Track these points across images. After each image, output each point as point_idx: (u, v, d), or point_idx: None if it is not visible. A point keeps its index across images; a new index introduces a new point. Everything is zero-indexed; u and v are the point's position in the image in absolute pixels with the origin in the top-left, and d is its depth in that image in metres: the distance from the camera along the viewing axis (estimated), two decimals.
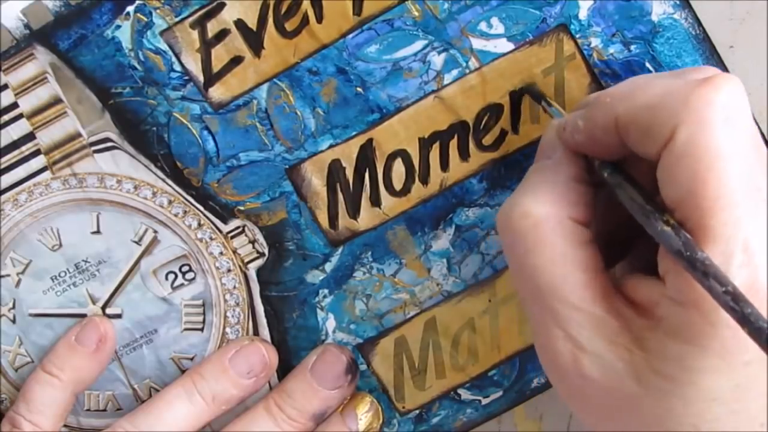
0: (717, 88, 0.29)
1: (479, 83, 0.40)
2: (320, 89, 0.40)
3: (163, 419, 0.41)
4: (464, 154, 0.41)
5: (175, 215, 0.42)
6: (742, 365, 0.29)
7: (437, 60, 0.40)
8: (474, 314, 0.42)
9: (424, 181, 0.41)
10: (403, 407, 0.43)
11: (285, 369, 0.43)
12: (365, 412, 0.42)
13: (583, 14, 0.39)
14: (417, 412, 0.43)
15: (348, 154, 0.41)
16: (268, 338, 0.43)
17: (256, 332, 0.43)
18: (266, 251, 0.42)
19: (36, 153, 0.41)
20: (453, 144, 0.41)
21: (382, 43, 0.40)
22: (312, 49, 0.40)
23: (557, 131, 0.35)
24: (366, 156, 0.41)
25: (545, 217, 0.32)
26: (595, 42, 0.39)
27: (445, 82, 0.40)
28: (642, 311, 0.31)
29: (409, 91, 0.40)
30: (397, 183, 0.41)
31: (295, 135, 0.41)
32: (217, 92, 0.40)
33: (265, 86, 0.40)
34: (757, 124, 0.39)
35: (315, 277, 0.42)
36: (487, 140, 0.40)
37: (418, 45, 0.40)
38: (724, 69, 0.40)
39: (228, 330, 0.42)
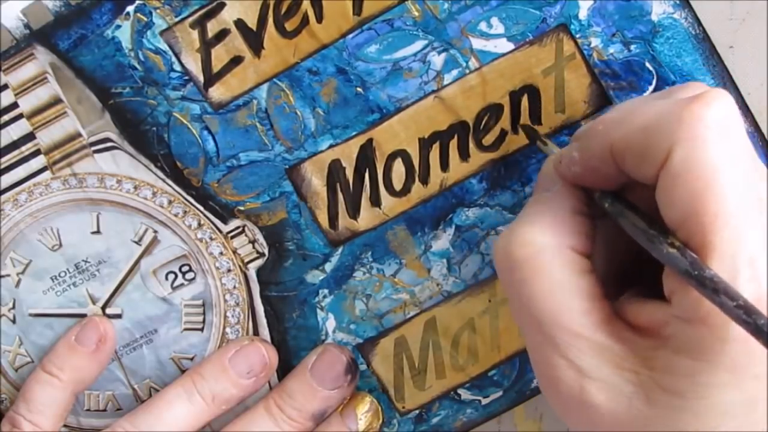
0: (708, 105, 0.29)
1: (479, 83, 0.40)
2: (320, 89, 0.40)
3: (163, 419, 0.41)
4: (464, 155, 0.41)
5: (175, 215, 0.42)
6: (752, 379, 0.29)
7: (437, 60, 0.40)
8: (474, 314, 0.42)
9: (424, 181, 0.41)
10: (403, 407, 0.43)
11: (285, 369, 0.43)
12: (365, 412, 0.42)
13: (583, 14, 0.39)
14: (417, 412, 0.43)
15: (348, 154, 0.41)
16: (268, 338, 0.43)
17: (256, 332, 0.43)
18: (266, 251, 0.42)
19: (36, 153, 0.41)
20: (453, 144, 0.41)
21: (382, 43, 0.40)
22: (312, 49, 0.40)
23: (554, 165, 0.35)
24: (366, 156, 0.41)
25: (545, 246, 0.32)
26: (595, 42, 0.39)
27: (445, 82, 0.40)
28: (646, 333, 0.31)
29: (409, 91, 0.40)
30: (397, 183, 0.41)
31: (295, 135, 0.41)
32: (217, 92, 0.40)
33: (265, 86, 0.40)
34: (757, 124, 0.40)
35: (315, 277, 0.42)
36: (487, 140, 0.41)
37: (418, 45, 0.40)
38: (724, 69, 0.40)
39: (228, 330, 0.42)
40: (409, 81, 0.40)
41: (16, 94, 0.41)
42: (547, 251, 0.32)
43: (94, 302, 0.42)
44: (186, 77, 0.40)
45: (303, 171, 0.41)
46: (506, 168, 0.41)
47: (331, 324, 0.43)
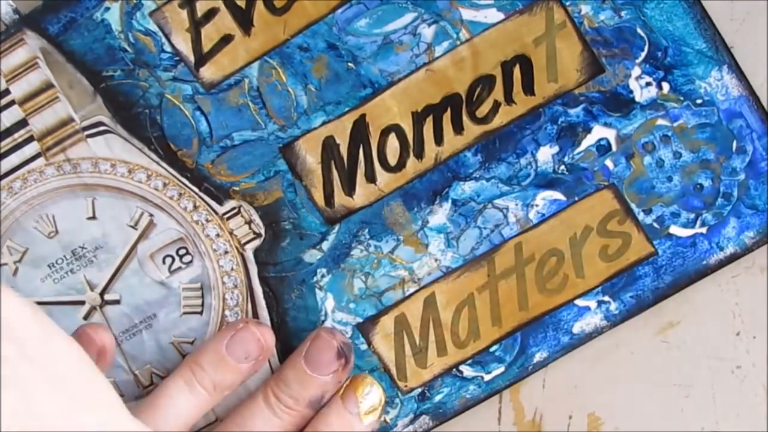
0: None
1: (470, 54, 0.40)
2: (311, 66, 0.40)
3: (167, 413, 0.40)
4: (458, 127, 0.41)
5: (171, 198, 0.42)
6: None
7: (427, 32, 0.40)
8: (473, 289, 0.42)
9: (419, 155, 0.41)
10: (406, 386, 0.43)
11: (286, 351, 0.42)
12: (366, 394, 0.42)
13: None
14: (419, 390, 0.43)
15: (342, 130, 0.41)
16: (268, 320, 0.42)
17: (255, 314, 0.42)
18: (263, 232, 0.42)
19: (29, 139, 0.41)
20: (446, 117, 0.40)
21: (371, 17, 0.40)
22: (302, 25, 0.40)
23: None
24: (360, 132, 0.41)
25: None
26: (585, 9, 0.39)
27: (436, 54, 0.40)
28: None
29: (400, 64, 0.40)
30: (392, 158, 0.41)
31: (287, 113, 0.41)
32: (208, 72, 0.40)
33: (255, 64, 0.40)
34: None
35: (312, 256, 0.42)
36: (481, 112, 0.40)
37: (408, 18, 0.40)
38: (717, 33, 0.40)
39: (227, 312, 0.42)
40: (400, 54, 0.40)
41: (7, 81, 0.41)
42: None
43: (92, 289, 0.42)
44: (177, 58, 0.40)
45: (297, 149, 0.41)
46: (501, 140, 0.41)
47: (330, 303, 0.42)
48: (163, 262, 0.42)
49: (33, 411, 0.29)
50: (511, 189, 0.41)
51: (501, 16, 0.40)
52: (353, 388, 0.42)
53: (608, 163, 0.41)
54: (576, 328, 0.42)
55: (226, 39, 0.40)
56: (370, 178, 0.41)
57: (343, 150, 0.41)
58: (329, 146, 0.41)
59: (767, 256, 0.42)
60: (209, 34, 0.40)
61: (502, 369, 0.43)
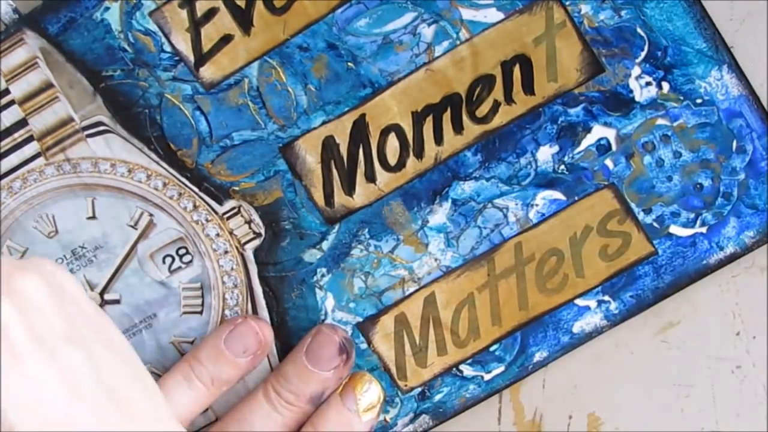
0: None
1: (470, 54, 0.40)
2: (311, 65, 0.40)
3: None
4: (458, 127, 0.41)
5: (170, 198, 0.42)
6: None
7: (427, 32, 0.40)
8: (473, 289, 0.42)
9: (419, 155, 0.41)
10: (406, 385, 0.43)
11: (286, 350, 0.42)
12: (364, 391, 0.42)
13: None
14: (419, 389, 0.43)
15: (341, 130, 0.41)
16: (268, 319, 0.42)
17: (255, 314, 0.42)
18: (263, 231, 0.42)
19: (29, 139, 0.41)
20: (446, 117, 0.40)
21: (371, 17, 0.40)
22: (301, 25, 0.40)
23: None
24: (359, 131, 0.41)
25: None
26: (585, 9, 0.39)
27: (436, 54, 0.40)
28: None
29: (400, 64, 0.40)
30: (392, 158, 0.41)
31: (287, 112, 0.41)
32: (208, 72, 0.40)
33: (255, 64, 0.40)
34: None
35: (312, 256, 0.42)
36: (481, 112, 0.40)
37: (408, 17, 0.40)
38: (716, 32, 0.40)
39: (227, 312, 0.42)
40: (400, 54, 0.40)
41: (7, 81, 0.41)
42: None
43: (92, 288, 0.42)
44: (176, 58, 0.40)
45: (297, 149, 0.41)
46: (501, 140, 0.41)
47: (330, 303, 0.42)
48: (163, 262, 0.42)
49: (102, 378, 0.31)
50: (511, 188, 0.41)
51: (501, 15, 0.40)
52: (352, 386, 0.42)
53: (608, 162, 0.41)
54: (576, 328, 0.42)
55: (226, 39, 0.40)
56: (370, 177, 0.41)
57: (343, 150, 0.41)
58: (329, 146, 0.41)
59: (767, 256, 0.42)
60: (209, 34, 0.40)
61: (502, 368, 0.43)
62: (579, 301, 0.42)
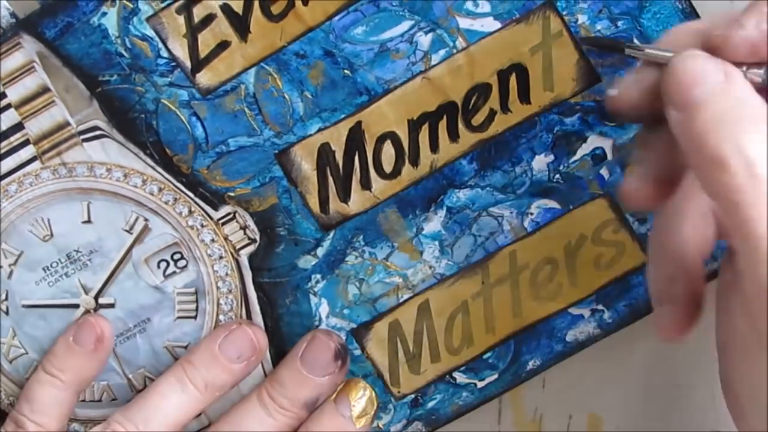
0: None
1: (467, 63, 0.40)
2: (308, 72, 0.40)
3: (158, 411, 0.41)
4: (453, 135, 0.41)
5: (166, 203, 0.42)
6: None
7: (424, 40, 0.40)
8: (467, 296, 0.42)
9: (414, 163, 0.41)
10: (399, 392, 0.43)
11: (280, 356, 0.42)
12: (358, 398, 0.42)
13: None
14: (413, 396, 0.43)
15: (337, 137, 0.41)
16: (262, 325, 0.42)
17: (249, 319, 0.42)
18: (257, 237, 0.42)
19: (25, 143, 0.41)
20: (442, 125, 0.41)
21: (368, 25, 0.40)
22: (298, 32, 0.40)
23: (710, 36, 0.32)
24: (355, 139, 0.41)
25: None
26: (582, 19, 0.39)
27: (433, 62, 0.40)
28: None
29: (396, 72, 0.40)
30: (387, 165, 0.41)
31: (283, 119, 0.41)
32: (204, 78, 0.40)
33: (252, 71, 0.40)
34: None
35: (307, 262, 0.42)
36: (476, 120, 0.40)
37: (405, 26, 0.40)
38: None
39: (221, 317, 0.42)
40: (396, 62, 0.40)
41: (3, 84, 0.41)
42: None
43: (86, 292, 0.42)
44: (173, 63, 0.40)
45: (292, 155, 0.41)
46: (496, 148, 0.41)
47: (324, 309, 0.43)
48: (158, 267, 0.42)
49: None
50: (506, 197, 0.41)
51: (498, 24, 0.40)
52: (346, 392, 0.42)
53: (603, 172, 0.41)
54: (569, 336, 0.42)
55: (223, 45, 0.40)
56: (366, 184, 0.41)
57: (339, 157, 0.41)
58: (325, 153, 0.41)
59: None
60: (206, 40, 0.40)
61: (495, 376, 0.43)
62: (573, 310, 0.42)
